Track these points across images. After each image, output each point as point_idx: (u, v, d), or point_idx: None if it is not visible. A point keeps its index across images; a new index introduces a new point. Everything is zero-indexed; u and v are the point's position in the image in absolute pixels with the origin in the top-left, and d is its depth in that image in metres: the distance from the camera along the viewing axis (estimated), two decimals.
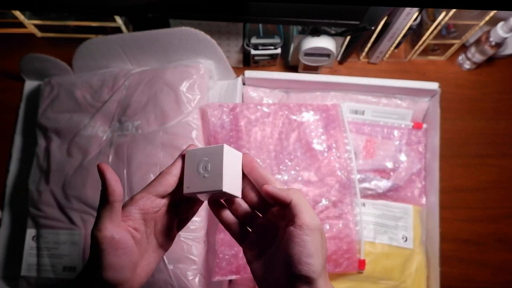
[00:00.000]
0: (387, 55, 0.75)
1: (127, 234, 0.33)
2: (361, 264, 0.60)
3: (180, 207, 0.38)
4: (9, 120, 0.74)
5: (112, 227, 0.32)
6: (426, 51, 0.76)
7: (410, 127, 0.68)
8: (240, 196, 0.36)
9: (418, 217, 0.65)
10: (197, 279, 0.56)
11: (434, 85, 0.67)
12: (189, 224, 0.56)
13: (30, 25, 0.74)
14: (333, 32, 0.65)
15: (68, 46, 0.69)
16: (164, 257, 0.56)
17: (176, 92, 0.62)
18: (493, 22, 0.66)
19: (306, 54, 0.68)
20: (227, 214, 0.38)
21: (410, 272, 0.62)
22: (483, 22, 0.66)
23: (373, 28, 0.62)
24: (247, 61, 0.75)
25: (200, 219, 0.58)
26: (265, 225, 0.37)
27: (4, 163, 0.72)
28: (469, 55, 0.74)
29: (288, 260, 0.32)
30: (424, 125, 0.68)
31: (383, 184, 0.65)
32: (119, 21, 0.70)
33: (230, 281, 0.63)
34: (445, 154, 0.65)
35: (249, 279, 0.62)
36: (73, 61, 0.68)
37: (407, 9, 0.61)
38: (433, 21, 0.66)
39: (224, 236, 0.58)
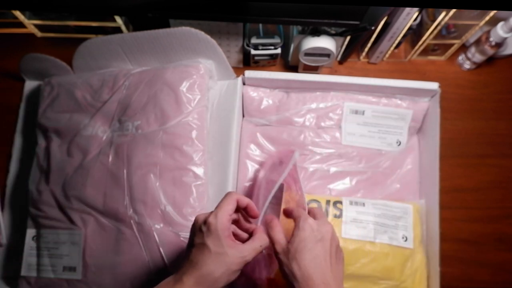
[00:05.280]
0: (387, 55, 0.75)
1: None
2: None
3: None
4: (9, 120, 0.74)
5: None
6: (426, 51, 0.76)
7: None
8: None
9: (418, 217, 0.65)
10: None
11: (434, 85, 0.67)
12: (190, 224, 0.56)
13: (30, 25, 0.75)
14: (333, 32, 0.65)
15: (68, 46, 0.69)
16: (165, 257, 0.56)
17: (176, 92, 0.62)
18: (493, 22, 0.66)
19: (306, 54, 0.68)
20: None
21: (410, 272, 0.62)
22: (483, 22, 0.66)
23: (373, 28, 0.62)
24: (247, 61, 0.75)
25: None
26: None
27: (4, 163, 0.72)
28: (469, 55, 0.74)
29: None
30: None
31: None
32: (119, 21, 0.70)
33: None
34: (445, 154, 0.65)
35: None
36: (73, 61, 0.68)
37: (407, 9, 0.61)
38: (433, 21, 0.66)
39: None
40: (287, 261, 0.42)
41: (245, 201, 0.45)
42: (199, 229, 0.42)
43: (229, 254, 0.40)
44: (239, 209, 0.45)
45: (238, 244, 0.42)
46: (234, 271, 0.41)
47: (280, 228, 0.46)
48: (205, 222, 0.42)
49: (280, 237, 0.45)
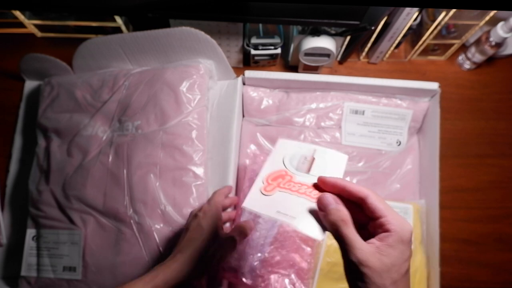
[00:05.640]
0: (387, 55, 0.75)
1: None
2: None
3: None
4: (9, 120, 0.74)
5: None
6: (426, 51, 0.76)
7: None
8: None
9: (418, 217, 0.65)
10: None
11: (434, 85, 0.67)
12: None
13: (30, 25, 0.74)
14: (333, 32, 0.65)
15: (68, 46, 0.69)
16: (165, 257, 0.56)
17: (176, 92, 0.62)
18: (493, 22, 0.66)
19: (306, 54, 0.68)
20: None
21: (410, 272, 0.62)
22: (483, 22, 0.66)
23: (373, 28, 0.62)
24: (247, 61, 0.75)
25: None
26: None
27: (4, 163, 0.72)
28: (469, 55, 0.74)
29: None
30: None
31: None
32: (119, 21, 0.70)
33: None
34: (445, 154, 0.65)
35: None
36: (73, 61, 0.68)
37: (407, 9, 0.61)
38: (433, 21, 0.66)
39: None
40: (381, 282, 0.31)
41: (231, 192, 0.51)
42: (195, 215, 0.48)
43: (221, 235, 0.44)
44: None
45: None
46: (225, 251, 0.45)
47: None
48: (201, 209, 0.49)
49: (361, 243, 0.32)
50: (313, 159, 0.40)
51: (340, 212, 0.32)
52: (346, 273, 0.32)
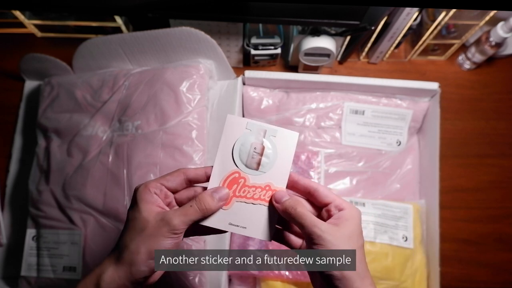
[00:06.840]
0: (387, 55, 0.75)
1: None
2: None
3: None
4: (9, 120, 0.74)
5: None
6: (426, 51, 0.76)
7: None
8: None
9: (418, 217, 0.65)
10: (197, 279, 0.56)
11: (434, 85, 0.67)
12: None
13: (30, 25, 0.75)
14: (333, 32, 0.65)
15: (68, 46, 0.69)
16: None
17: (176, 92, 0.62)
18: (493, 22, 0.66)
19: (306, 54, 0.68)
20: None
21: (410, 272, 0.62)
22: (483, 22, 0.66)
23: (373, 28, 0.62)
24: (247, 61, 0.75)
25: None
26: None
27: (4, 163, 0.72)
28: (469, 55, 0.74)
29: None
30: None
31: None
32: (119, 21, 0.70)
33: (230, 280, 0.63)
34: (445, 154, 0.65)
35: (249, 278, 0.62)
36: (73, 61, 0.68)
37: (407, 9, 0.61)
38: (433, 21, 0.66)
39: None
40: (343, 247, 0.34)
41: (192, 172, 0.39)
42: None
43: (140, 218, 0.35)
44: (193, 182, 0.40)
45: (161, 210, 0.36)
46: (150, 237, 0.34)
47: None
48: None
49: (318, 219, 0.35)
50: (263, 148, 0.38)
51: (294, 199, 0.36)
52: (308, 244, 0.35)
